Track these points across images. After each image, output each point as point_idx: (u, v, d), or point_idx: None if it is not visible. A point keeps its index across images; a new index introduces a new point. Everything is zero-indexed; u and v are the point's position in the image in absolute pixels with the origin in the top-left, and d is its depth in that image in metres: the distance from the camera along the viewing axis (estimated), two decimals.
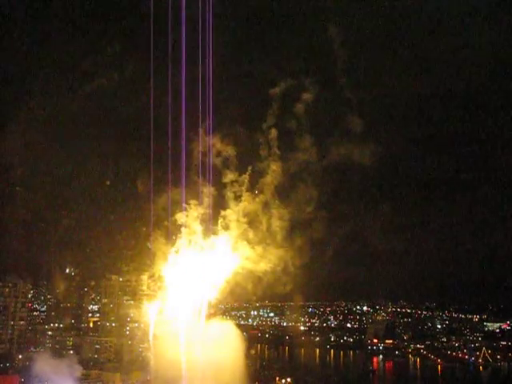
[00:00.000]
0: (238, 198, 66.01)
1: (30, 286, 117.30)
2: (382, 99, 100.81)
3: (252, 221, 64.43)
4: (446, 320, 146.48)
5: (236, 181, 66.48)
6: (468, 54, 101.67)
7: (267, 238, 63.27)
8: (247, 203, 65.55)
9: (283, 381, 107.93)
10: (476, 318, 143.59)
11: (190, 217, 63.74)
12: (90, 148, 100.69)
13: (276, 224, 64.02)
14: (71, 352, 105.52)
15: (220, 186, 65.82)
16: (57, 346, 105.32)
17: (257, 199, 65.96)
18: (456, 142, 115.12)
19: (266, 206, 65.21)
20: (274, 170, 67.24)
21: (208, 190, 65.34)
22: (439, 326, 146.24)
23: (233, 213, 65.02)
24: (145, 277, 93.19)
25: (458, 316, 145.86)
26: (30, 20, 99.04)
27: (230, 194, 66.08)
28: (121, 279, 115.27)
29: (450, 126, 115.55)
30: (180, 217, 63.71)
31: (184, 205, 63.93)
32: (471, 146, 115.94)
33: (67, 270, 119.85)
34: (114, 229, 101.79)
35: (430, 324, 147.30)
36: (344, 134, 71.19)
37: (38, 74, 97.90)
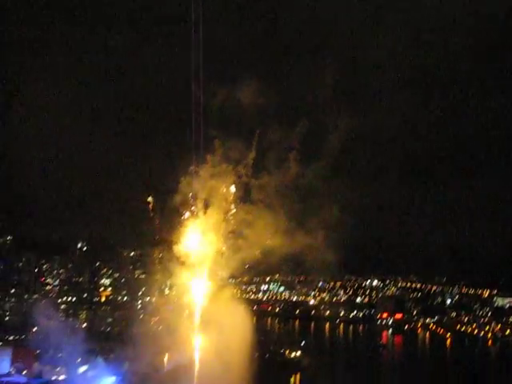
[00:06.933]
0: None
1: (43, 261, 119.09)
2: None
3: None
4: (455, 295, 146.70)
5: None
6: None
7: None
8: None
9: (293, 354, 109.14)
10: (486, 293, 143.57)
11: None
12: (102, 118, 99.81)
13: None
14: (84, 325, 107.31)
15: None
16: (70, 320, 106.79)
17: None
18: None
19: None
20: None
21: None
22: (449, 301, 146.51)
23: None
24: (157, 250, 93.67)
25: (467, 291, 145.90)
26: None
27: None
28: (132, 253, 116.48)
29: None
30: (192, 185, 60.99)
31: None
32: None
33: (79, 245, 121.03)
34: (126, 202, 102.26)
35: (439, 299, 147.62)
36: None
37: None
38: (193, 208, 61.97)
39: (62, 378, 77.65)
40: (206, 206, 61.92)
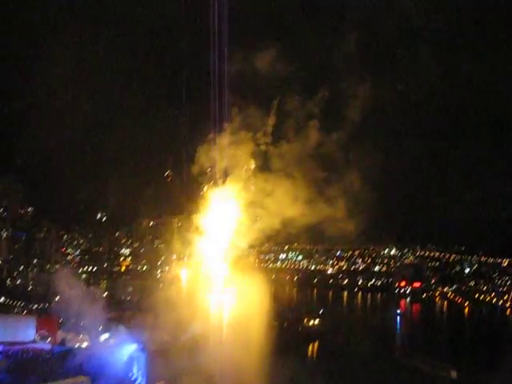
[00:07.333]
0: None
1: (63, 231, 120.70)
2: None
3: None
4: (474, 264, 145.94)
5: None
6: None
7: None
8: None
9: (311, 322, 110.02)
10: (505, 261, 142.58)
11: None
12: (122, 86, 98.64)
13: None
14: (105, 294, 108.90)
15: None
16: (91, 289, 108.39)
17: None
18: None
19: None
20: None
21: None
22: (467, 270, 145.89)
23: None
24: (175, 220, 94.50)
25: (486, 260, 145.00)
26: None
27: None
28: (151, 223, 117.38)
29: None
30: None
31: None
32: None
33: (98, 215, 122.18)
34: (143, 172, 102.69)
35: (458, 268, 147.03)
36: None
37: None
38: (211, 177, 61.89)
39: (84, 345, 79.16)
40: (225, 175, 61.78)
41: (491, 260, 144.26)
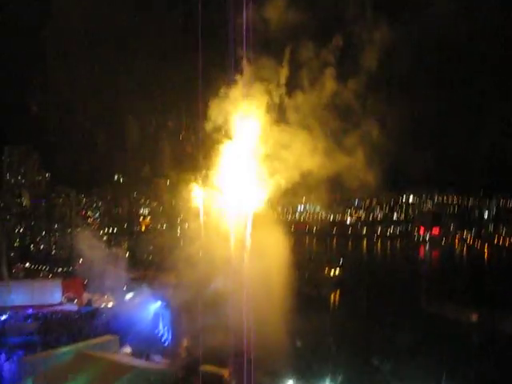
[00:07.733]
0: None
1: (82, 195, 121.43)
2: None
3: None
4: (493, 208, 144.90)
5: None
6: None
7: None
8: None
9: (332, 271, 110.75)
10: None
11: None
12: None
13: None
14: (127, 254, 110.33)
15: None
16: (113, 250, 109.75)
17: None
18: None
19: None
20: None
21: None
22: (487, 215, 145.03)
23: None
24: (192, 177, 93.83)
25: (505, 204, 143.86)
26: None
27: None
28: (168, 182, 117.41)
29: None
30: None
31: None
32: None
33: (115, 177, 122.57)
34: (159, 132, 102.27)
35: (477, 212, 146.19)
36: None
37: None
38: (227, 131, 61.39)
39: (110, 305, 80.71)
40: (241, 129, 61.20)
41: (510, 204, 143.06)
